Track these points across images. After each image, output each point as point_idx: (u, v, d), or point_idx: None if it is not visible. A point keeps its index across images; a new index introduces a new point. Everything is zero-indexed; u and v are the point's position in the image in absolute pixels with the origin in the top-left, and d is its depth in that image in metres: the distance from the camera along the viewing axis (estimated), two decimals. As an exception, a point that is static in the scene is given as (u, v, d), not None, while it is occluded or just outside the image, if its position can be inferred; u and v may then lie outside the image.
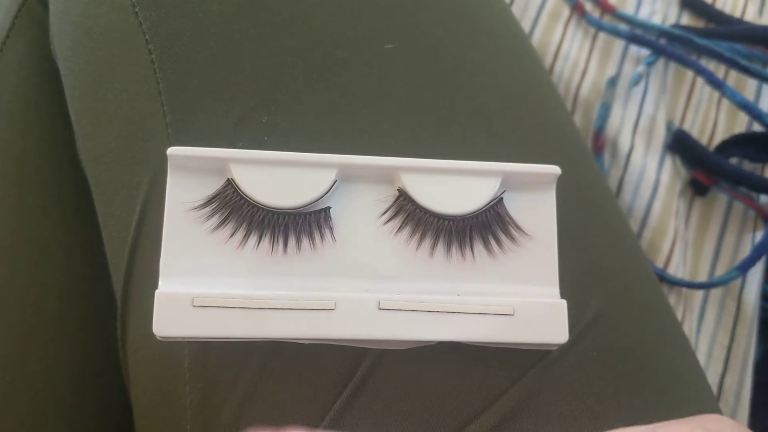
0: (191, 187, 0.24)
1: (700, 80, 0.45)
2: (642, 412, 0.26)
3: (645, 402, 0.26)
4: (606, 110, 0.43)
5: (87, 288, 0.33)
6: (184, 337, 0.23)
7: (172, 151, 0.23)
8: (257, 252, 0.24)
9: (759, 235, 0.41)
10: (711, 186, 0.42)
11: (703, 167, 0.41)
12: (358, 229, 0.24)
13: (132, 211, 0.27)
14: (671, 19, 0.46)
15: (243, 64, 0.27)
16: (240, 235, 0.24)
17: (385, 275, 0.24)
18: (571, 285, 0.26)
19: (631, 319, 0.28)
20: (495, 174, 0.25)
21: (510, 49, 0.32)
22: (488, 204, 0.25)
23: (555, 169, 0.25)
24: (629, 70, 0.44)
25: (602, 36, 0.45)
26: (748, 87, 0.45)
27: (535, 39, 0.45)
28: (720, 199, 0.43)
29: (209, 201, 0.24)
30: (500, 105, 0.29)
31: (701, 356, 0.40)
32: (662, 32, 0.44)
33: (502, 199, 0.25)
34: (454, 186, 0.24)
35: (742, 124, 0.44)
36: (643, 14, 0.46)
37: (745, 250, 0.42)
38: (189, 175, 0.24)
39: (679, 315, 0.39)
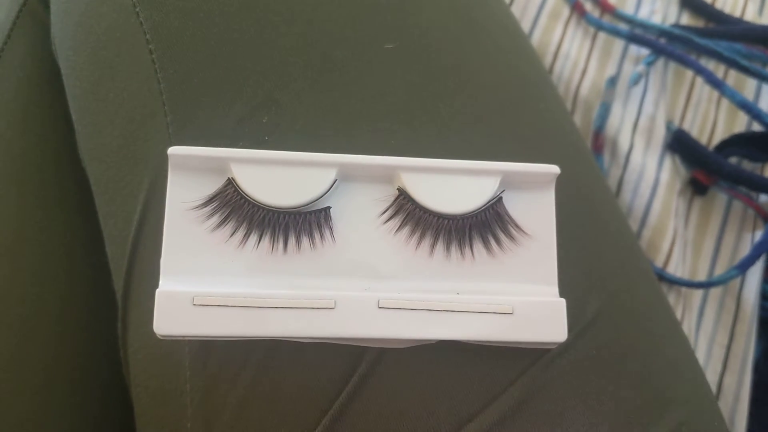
0: (192, 187, 0.24)
1: (699, 80, 0.45)
2: (641, 411, 0.26)
3: (644, 401, 0.26)
4: (606, 110, 0.43)
5: (88, 287, 0.33)
6: (184, 336, 0.23)
7: (172, 150, 0.23)
8: (257, 251, 0.24)
9: (758, 234, 0.42)
10: (710, 185, 0.42)
11: (702, 166, 0.41)
12: (358, 228, 0.24)
13: (133, 211, 0.27)
14: (671, 19, 0.47)
15: (243, 64, 0.27)
16: (240, 234, 0.24)
17: (385, 274, 0.24)
18: (570, 284, 0.26)
19: (631, 318, 0.28)
20: (494, 173, 0.25)
21: (509, 49, 0.32)
22: (487, 203, 0.25)
23: (554, 169, 0.25)
24: (629, 70, 0.44)
25: (602, 36, 0.45)
26: (748, 86, 0.45)
27: (535, 39, 0.45)
28: (719, 198, 0.43)
29: (210, 200, 0.24)
30: (499, 105, 0.29)
31: (700, 355, 0.40)
32: (662, 32, 0.44)
33: (501, 198, 0.25)
34: (454, 185, 0.25)
35: (741, 123, 0.44)
36: (643, 14, 0.46)
37: (745, 249, 0.42)
38: (189, 174, 0.24)
39: (678, 314, 0.39)
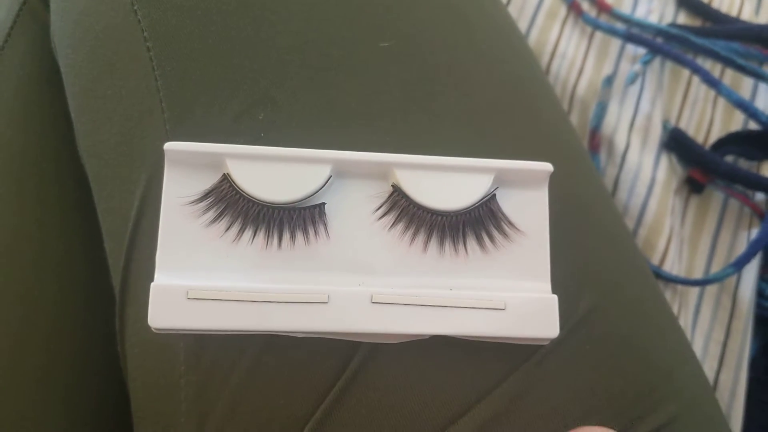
0: (188, 182, 0.24)
1: (696, 79, 0.45)
2: (635, 405, 0.26)
3: (637, 394, 0.26)
4: (602, 109, 0.43)
5: (86, 283, 0.33)
6: (178, 329, 0.23)
7: (168, 146, 0.24)
8: (252, 246, 0.24)
9: (754, 232, 0.42)
10: (707, 184, 0.42)
11: (699, 165, 0.42)
12: (352, 224, 0.25)
13: (130, 207, 0.27)
14: (668, 18, 0.47)
15: (240, 62, 0.27)
16: (235, 229, 0.24)
17: (379, 270, 0.24)
18: (564, 280, 0.26)
19: (624, 313, 0.28)
20: (488, 171, 0.25)
21: (504, 48, 0.32)
22: (481, 200, 0.25)
23: (547, 166, 0.25)
24: (626, 69, 0.44)
25: (599, 35, 0.45)
26: (744, 85, 0.45)
27: (532, 38, 0.45)
28: (716, 196, 0.43)
29: (205, 196, 0.24)
30: (493, 103, 0.29)
31: (696, 352, 0.40)
32: (659, 31, 0.44)
33: (494, 195, 0.25)
34: (448, 182, 0.25)
35: (737, 122, 0.44)
36: (640, 13, 0.46)
37: (741, 247, 0.42)
38: (185, 170, 0.24)
39: (674, 312, 0.39)
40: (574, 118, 0.44)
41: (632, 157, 0.42)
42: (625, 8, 0.46)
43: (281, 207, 0.24)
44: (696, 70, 0.41)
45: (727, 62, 0.41)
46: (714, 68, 0.45)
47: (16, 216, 0.33)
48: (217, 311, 0.23)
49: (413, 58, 0.29)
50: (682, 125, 0.44)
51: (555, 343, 0.26)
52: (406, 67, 0.29)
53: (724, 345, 0.40)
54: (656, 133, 0.42)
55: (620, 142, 0.42)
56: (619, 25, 0.45)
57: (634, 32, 0.44)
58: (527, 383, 0.25)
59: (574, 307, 0.27)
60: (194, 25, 0.28)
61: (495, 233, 0.25)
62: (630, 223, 0.41)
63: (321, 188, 0.24)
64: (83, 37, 0.30)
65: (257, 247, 0.24)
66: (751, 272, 0.41)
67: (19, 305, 0.32)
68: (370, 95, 0.28)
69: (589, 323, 0.27)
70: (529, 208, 0.26)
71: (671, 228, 0.40)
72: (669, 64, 0.45)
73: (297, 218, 0.24)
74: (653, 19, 0.46)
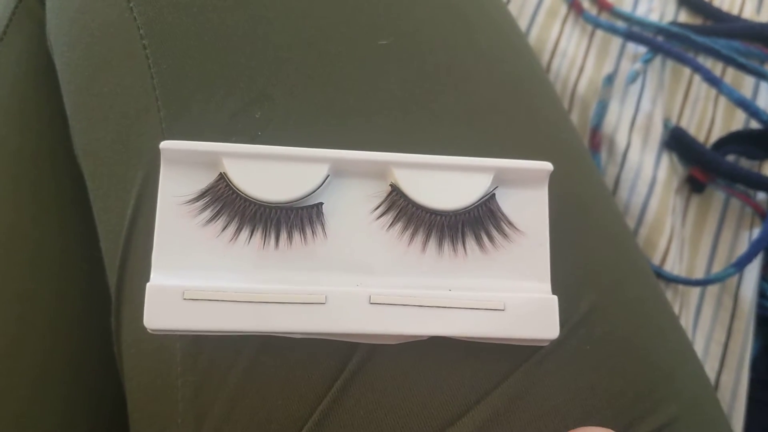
0: (184, 181, 0.24)
1: (697, 77, 0.45)
2: (635, 406, 0.26)
3: (637, 395, 0.26)
4: (603, 107, 0.43)
5: (82, 282, 0.33)
6: (174, 330, 0.23)
7: (164, 144, 0.23)
8: (249, 246, 0.24)
9: (756, 232, 0.41)
10: (708, 183, 0.42)
11: (699, 164, 0.41)
12: (350, 224, 0.24)
13: (126, 206, 0.27)
14: (668, 17, 0.46)
15: (237, 60, 0.27)
16: (232, 229, 0.24)
17: (377, 270, 0.24)
18: (564, 280, 0.26)
19: (625, 312, 0.28)
20: (487, 170, 0.25)
21: (504, 46, 0.32)
22: (480, 200, 0.25)
23: (547, 166, 0.25)
24: (626, 68, 0.44)
25: (599, 33, 0.45)
26: (745, 84, 0.45)
27: (533, 36, 0.45)
28: (717, 196, 0.43)
29: (202, 195, 0.24)
30: (493, 101, 0.29)
31: (698, 353, 0.40)
32: (659, 29, 0.44)
33: (494, 195, 0.25)
34: (447, 181, 0.24)
35: (739, 121, 0.44)
36: (641, 11, 0.46)
37: (742, 247, 0.42)
38: (182, 168, 0.24)
39: (675, 312, 0.39)
40: (574, 117, 0.44)
41: (633, 156, 0.42)
42: (625, 6, 0.46)
43: (278, 206, 0.24)
44: (697, 68, 0.41)
45: (728, 61, 0.41)
46: (715, 67, 0.45)
47: (13, 214, 0.32)
48: (214, 312, 0.23)
49: (412, 56, 0.29)
50: (683, 124, 0.44)
51: (555, 343, 0.26)
52: (406, 65, 0.28)
53: (726, 345, 0.40)
54: (657, 132, 0.42)
55: (621, 141, 0.42)
56: (620, 24, 0.45)
57: (634, 31, 0.44)
58: (527, 383, 0.25)
59: (574, 307, 0.27)
60: (190, 23, 0.27)
61: (494, 233, 0.25)
62: (631, 223, 0.41)
63: (318, 187, 0.24)
64: (79, 34, 0.30)
65: (254, 247, 0.24)
66: (752, 272, 0.41)
67: (16, 304, 0.32)
68: (369, 93, 0.28)
69: (590, 323, 0.27)
70: (529, 208, 0.25)
71: (672, 227, 0.40)
72: (670, 63, 0.45)
73: (294, 218, 0.24)
74: (654, 17, 0.45)
